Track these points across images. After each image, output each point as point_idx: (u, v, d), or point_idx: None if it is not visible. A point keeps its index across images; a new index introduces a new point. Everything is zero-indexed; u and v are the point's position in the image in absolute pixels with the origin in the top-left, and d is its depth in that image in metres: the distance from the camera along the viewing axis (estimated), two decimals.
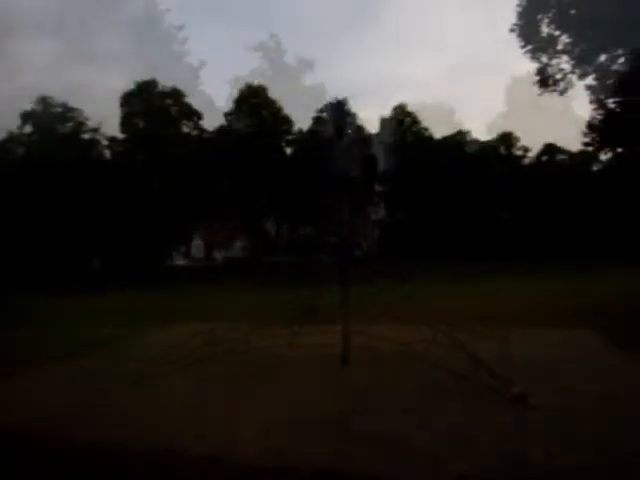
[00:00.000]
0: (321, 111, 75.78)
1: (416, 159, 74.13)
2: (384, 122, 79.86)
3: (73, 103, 70.95)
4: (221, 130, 74.29)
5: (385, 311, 19.02)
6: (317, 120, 75.56)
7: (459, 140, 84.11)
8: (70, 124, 71.82)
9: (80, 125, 71.59)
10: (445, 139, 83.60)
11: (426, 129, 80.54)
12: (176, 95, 72.26)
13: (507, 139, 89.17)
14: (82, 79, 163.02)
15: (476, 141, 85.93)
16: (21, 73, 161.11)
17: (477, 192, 77.30)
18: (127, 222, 64.42)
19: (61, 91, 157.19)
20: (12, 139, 71.14)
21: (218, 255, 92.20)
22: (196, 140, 72.73)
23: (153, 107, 69.93)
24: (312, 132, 75.11)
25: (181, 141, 70.99)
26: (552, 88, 25.70)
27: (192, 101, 73.47)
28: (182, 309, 29.35)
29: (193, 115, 73.06)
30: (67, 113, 71.35)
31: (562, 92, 25.83)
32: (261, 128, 71.89)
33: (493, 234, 78.20)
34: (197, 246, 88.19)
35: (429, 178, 73.81)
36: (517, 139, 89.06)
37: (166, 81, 72.66)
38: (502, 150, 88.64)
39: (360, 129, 76.72)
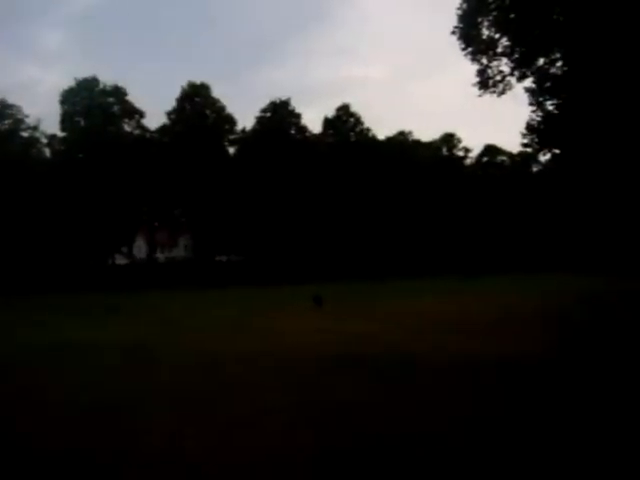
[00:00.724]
0: (265, 111, 75.44)
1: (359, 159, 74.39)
2: (327, 122, 79.96)
3: (11, 100, 68.94)
4: (163, 129, 73.32)
5: None
6: (261, 120, 75.28)
7: (401, 141, 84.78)
8: (8, 121, 70.02)
9: (19, 122, 69.84)
10: (388, 139, 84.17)
11: (369, 129, 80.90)
12: (118, 93, 70.90)
13: (449, 140, 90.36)
14: (21, 76, 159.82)
15: (418, 142, 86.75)
16: None
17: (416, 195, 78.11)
18: (66, 221, 63.14)
19: None
20: None
21: (161, 255, 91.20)
22: (138, 139, 71.58)
23: (94, 105, 68.49)
24: (255, 131, 74.81)
25: (123, 140, 69.78)
26: (492, 90, 26.10)
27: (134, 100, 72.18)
28: None
29: (135, 113, 71.82)
30: (5, 110, 69.53)
31: (500, 94, 26.26)
32: (204, 127, 71.13)
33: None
34: (139, 246, 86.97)
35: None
36: (459, 140, 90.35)
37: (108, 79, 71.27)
38: (444, 151, 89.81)
39: (303, 129, 76.83)
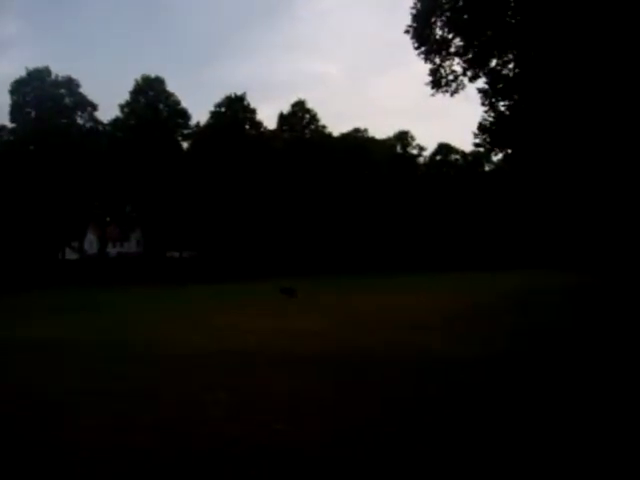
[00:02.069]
0: (219, 105, 74.95)
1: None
2: (282, 118, 79.87)
3: None
4: (116, 122, 72.31)
5: None
6: (215, 114, 74.76)
7: (356, 138, 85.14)
8: None
9: None
10: (343, 136, 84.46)
11: (324, 127, 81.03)
12: (71, 85, 69.63)
13: (403, 138, 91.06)
14: None
15: (373, 139, 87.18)
16: None
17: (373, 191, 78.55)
18: (14, 214, 61.99)
19: None
20: None
21: (112, 250, 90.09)
22: (90, 132, 70.49)
23: (46, 96, 67.16)
24: (210, 126, 74.28)
25: (75, 132, 68.65)
26: (444, 89, 26.22)
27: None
28: None
29: (88, 106, 70.64)
30: None
31: (453, 93, 26.40)
32: (157, 121, 70.35)
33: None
34: (90, 241, 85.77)
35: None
36: (413, 138, 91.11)
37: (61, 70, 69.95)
38: (399, 149, 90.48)
39: (258, 124, 76.54)
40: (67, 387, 10.80)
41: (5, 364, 14.04)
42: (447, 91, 26.52)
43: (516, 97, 27.54)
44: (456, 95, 26.75)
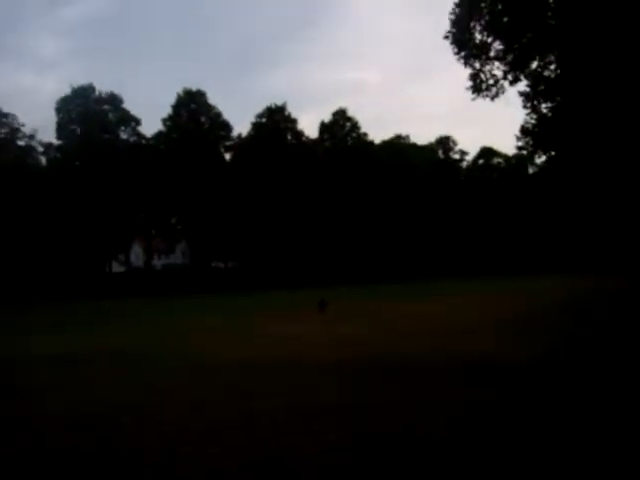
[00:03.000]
0: (260, 116, 75.44)
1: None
2: (324, 127, 79.99)
3: (7, 109, 68.98)
4: (159, 136, 73.29)
5: None
6: (256, 125, 75.25)
7: (397, 144, 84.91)
8: (5, 130, 70.04)
9: (15, 131, 69.86)
10: (385, 143, 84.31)
11: (365, 134, 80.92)
12: (114, 101, 70.92)
13: (445, 143, 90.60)
14: (17, 84, 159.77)
15: (415, 145, 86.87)
16: None
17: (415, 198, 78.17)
18: (62, 229, 63.12)
19: None
20: None
21: (158, 262, 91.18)
22: (134, 146, 71.60)
23: (90, 113, 68.46)
24: (251, 137, 74.78)
25: (119, 147, 69.83)
26: (485, 93, 25.99)
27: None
28: None
29: (131, 121, 71.83)
30: (1, 119, 69.54)
31: (494, 97, 26.15)
32: (199, 133, 71.14)
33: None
34: (136, 253, 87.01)
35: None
36: (455, 143, 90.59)
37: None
38: (440, 154, 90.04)
39: (299, 133, 76.79)
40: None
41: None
42: (487, 95, 26.28)
43: (558, 99, 27.22)
44: (497, 99, 26.55)
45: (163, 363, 16.19)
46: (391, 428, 8.51)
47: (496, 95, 26.13)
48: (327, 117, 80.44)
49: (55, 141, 70.61)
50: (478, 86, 25.89)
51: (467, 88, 26.45)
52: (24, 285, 59.71)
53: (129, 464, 7.41)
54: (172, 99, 73.50)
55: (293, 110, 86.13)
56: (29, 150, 71.52)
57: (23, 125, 69.88)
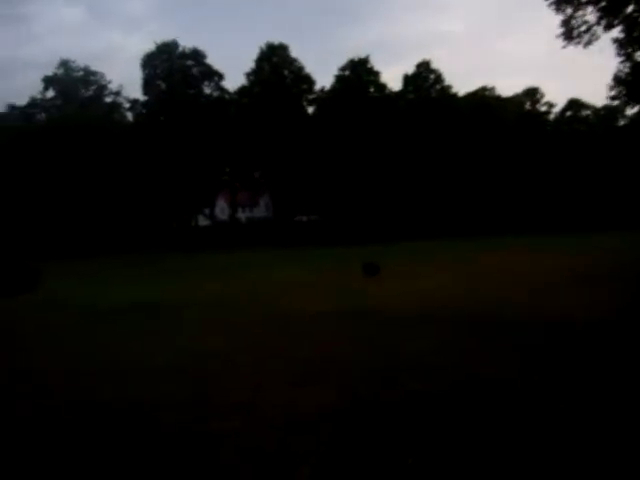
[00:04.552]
0: (343, 69, 74.86)
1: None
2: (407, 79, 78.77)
3: (95, 67, 70.73)
4: (242, 90, 73.77)
5: None
6: (339, 78, 74.74)
7: (483, 96, 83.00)
8: (92, 87, 71.87)
9: (102, 88, 71.60)
10: (469, 95, 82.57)
11: (449, 86, 79.33)
12: (197, 56, 71.65)
13: (532, 94, 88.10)
14: (104, 42, 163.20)
15: (500, 97, 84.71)
16: (43, 37, 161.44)
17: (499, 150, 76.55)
18: (149, 184, 64.67)
19: (82, 55, 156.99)
20: (35, 104, 71.36)
21: (242, 215, 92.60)
22: (217, 101, 72.37)
23: (174, 68, 69.43)
24: (334, 90, 74.39)
25: (203, 102, 70.77)
26: (577, 41, 25.10)
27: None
28: None
29: (214, 75, 72.51)
30: (89, 77, 71.31)
31: (586, 44, 25.23)
32: (282, 87, 71.25)
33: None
34: (221, 207, 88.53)
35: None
36: (542, 94, 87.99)
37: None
38: (527, 106, 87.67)
39: (382, 86, 75.94)
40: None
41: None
42: (579, 42, 25.37)
43: None
44: (589, 47, 25.60)
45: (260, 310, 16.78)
46: None
47: (589, 42, 25.20)
48: (411, 70, 79.24)
49: (141, 97, 72.23)
50: (570, 33, 25.04)
51: (557, 36, 25.60)
52: (115, 238, 61.86)
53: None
54: (254, 54, 73.81)
55: (376, 63, 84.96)
56: (116, 106, 73.31)
57: (110, 82, 71.66)
